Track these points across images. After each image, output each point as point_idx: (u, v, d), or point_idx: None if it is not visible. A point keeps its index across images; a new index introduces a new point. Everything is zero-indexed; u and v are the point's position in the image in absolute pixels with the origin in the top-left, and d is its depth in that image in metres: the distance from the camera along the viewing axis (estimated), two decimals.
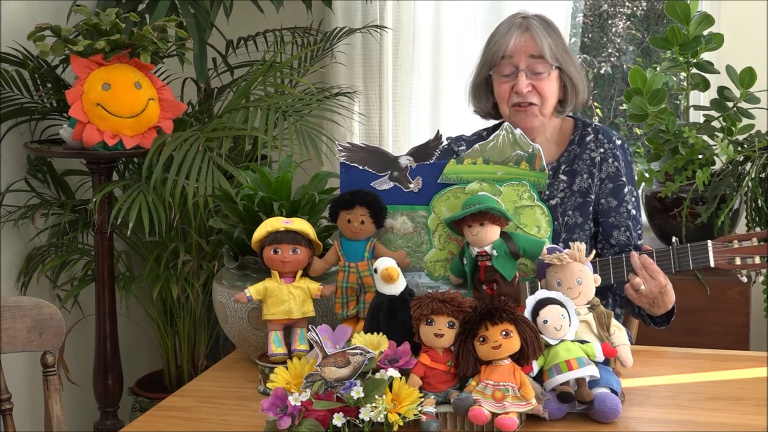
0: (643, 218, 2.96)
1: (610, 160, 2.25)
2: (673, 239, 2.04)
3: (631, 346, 1.76)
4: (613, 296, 2.24)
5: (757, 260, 1.92)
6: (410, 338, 1.65)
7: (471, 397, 1.56)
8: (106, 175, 2.67)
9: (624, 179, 2.24)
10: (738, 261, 1.93)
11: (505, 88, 2.22)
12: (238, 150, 2.91)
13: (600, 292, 1.87)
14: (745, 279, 1.97)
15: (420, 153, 1.91)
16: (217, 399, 1.78)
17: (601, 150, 2.25)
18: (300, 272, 1.84)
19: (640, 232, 2.26)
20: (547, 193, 2.23)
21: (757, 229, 1.96)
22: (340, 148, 1.93)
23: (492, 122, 2.40)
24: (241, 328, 1.91)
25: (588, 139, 2.27)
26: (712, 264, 1.93)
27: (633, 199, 2.25)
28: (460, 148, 2.32)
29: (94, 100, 2.51)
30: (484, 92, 2.31)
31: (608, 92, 3.93)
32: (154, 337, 3.11)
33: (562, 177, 2.25)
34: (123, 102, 2.53)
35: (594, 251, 1.81)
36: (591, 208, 2.23)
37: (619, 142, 2.27)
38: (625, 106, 3.14)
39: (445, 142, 2.18)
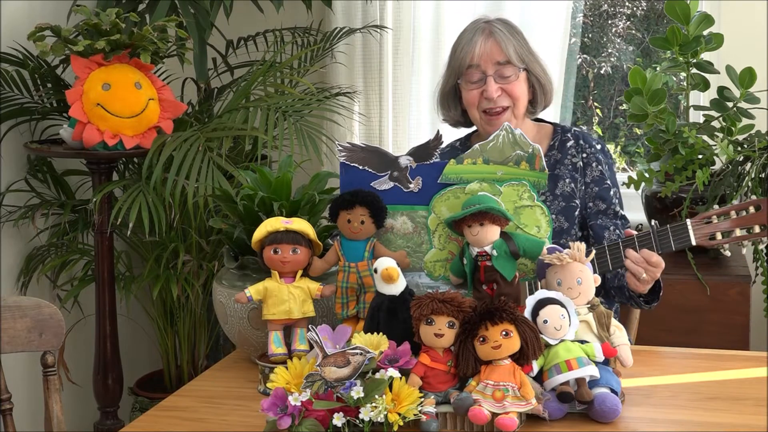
0: (643, 218, 2.98)
1: (594, 164, 2.27)
2: (652, 222, 2.05)
3: (631, 346, 1.75)
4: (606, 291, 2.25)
5: (738, 233, 1.93)
6: (410, 338, 1.65)
7: (471, 397, 1.56)
8: (106, 175, 2.67)
9: (609, 182, 2.27)
10: (719, 236, 1.94)
11: (474, 94, 2.23)
12: (238, 150, 2.91)
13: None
14: (728, 253, 1.97)
15: (420, 153, 1.91)
16: (217, 399, 1.78)
17: (584, 155, 2.28)
18: (300, 272, 1.84)
19: (628, 227, 2.27)
20: None
21: (734, 202, 1.96)
22: (340, 148, 1.93)
23: (463, 131, 2.41)
24: (241, 328, 1.91)
25: (569, 144, 2.29)
26: (693, 242, 1.95)
27: (617, 200, 2.28)
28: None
29: (94, 100, 2.51)
30: (453, 100, 2.33)
31: (608, 92, 3.92)
32: (154, 337, 3.11)
33: None
34: (123, 102, 2.53)
35: (594, 251, 1.81)
36: (577, 212, 2.24)
37: (599, 146, 2.30)
38: (625, 106, 3.13)
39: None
